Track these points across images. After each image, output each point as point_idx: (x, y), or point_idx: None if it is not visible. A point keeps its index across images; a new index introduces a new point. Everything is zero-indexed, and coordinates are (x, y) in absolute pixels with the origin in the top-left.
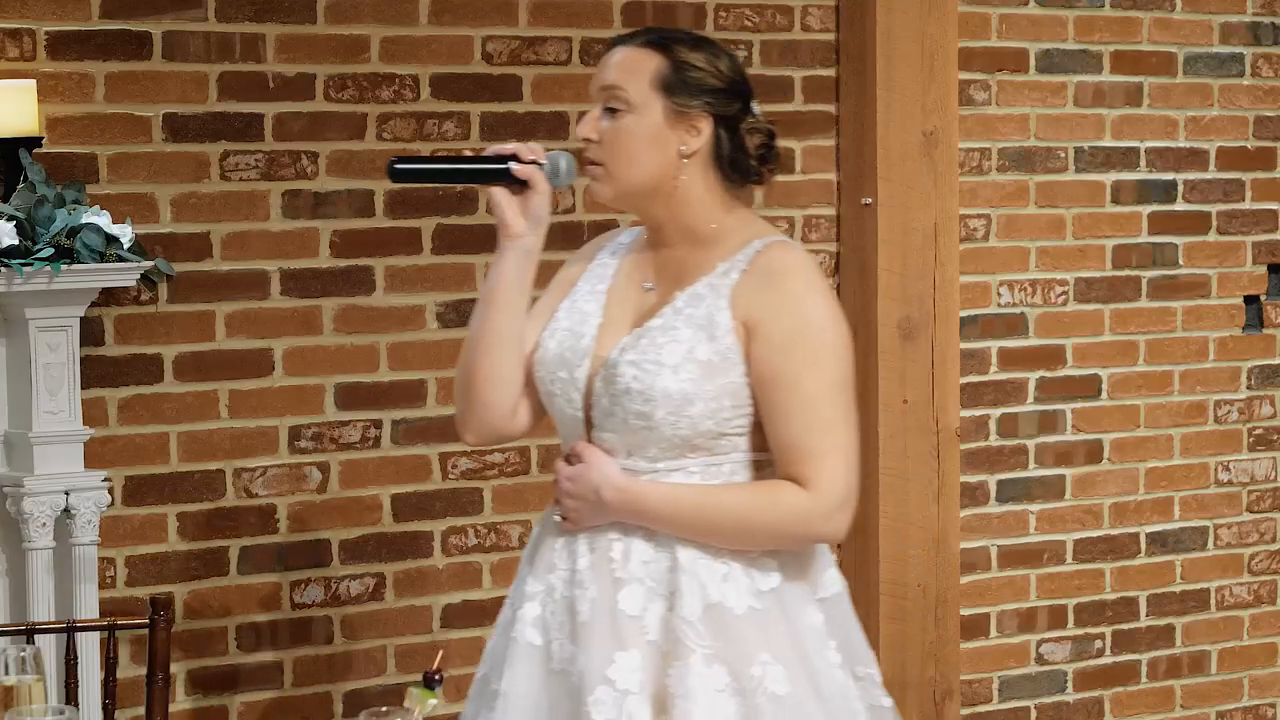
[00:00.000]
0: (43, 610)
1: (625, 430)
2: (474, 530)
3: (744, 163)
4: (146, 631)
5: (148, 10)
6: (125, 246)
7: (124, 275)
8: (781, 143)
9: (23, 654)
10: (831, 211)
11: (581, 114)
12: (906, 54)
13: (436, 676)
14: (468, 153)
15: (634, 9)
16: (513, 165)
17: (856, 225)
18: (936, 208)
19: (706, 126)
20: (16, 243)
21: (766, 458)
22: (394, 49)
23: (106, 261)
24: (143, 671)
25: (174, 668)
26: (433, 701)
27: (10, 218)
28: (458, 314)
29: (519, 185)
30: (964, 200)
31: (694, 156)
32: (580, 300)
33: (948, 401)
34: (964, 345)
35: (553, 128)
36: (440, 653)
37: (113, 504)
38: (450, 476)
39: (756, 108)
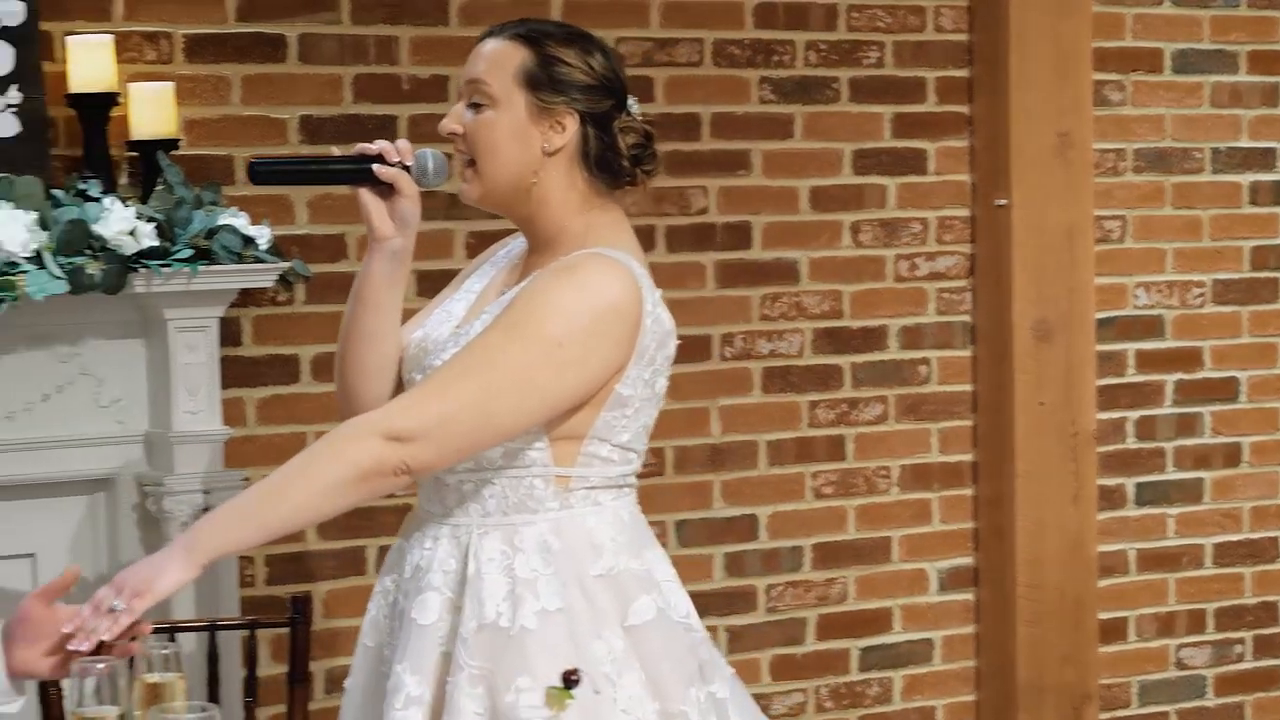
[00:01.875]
0: (185, 609)
1: None
2: None
3: (615, 162)
4: (287, 630)
5: (283, 13)
6: (262, 247)
7: (261, 276)
8: (913, 143)
9: (165, 652)
10: (965, 213)
11: (715, 115)
12: (1040, 54)
13: (574, 677)
14: (335, 151)
15: (766, 10)
16: (376, 167)
17: (991, 227)
18: (1071, 209)
19: (572, 124)
20: (155, 244)
21: (579, 473)
22: None
23: (244, 263)
24: (283, 670)
25: (313, 666)
26: (570, 701)
27: (149, 219)
28: None
29: (385, 187)
30: (1099, 201)
31: (557, 154)
32: (453, 302)
33: (1084, 404)
34: (1100, 347)
35: (685, 129)
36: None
37: None
38: None
39: (635, 107)
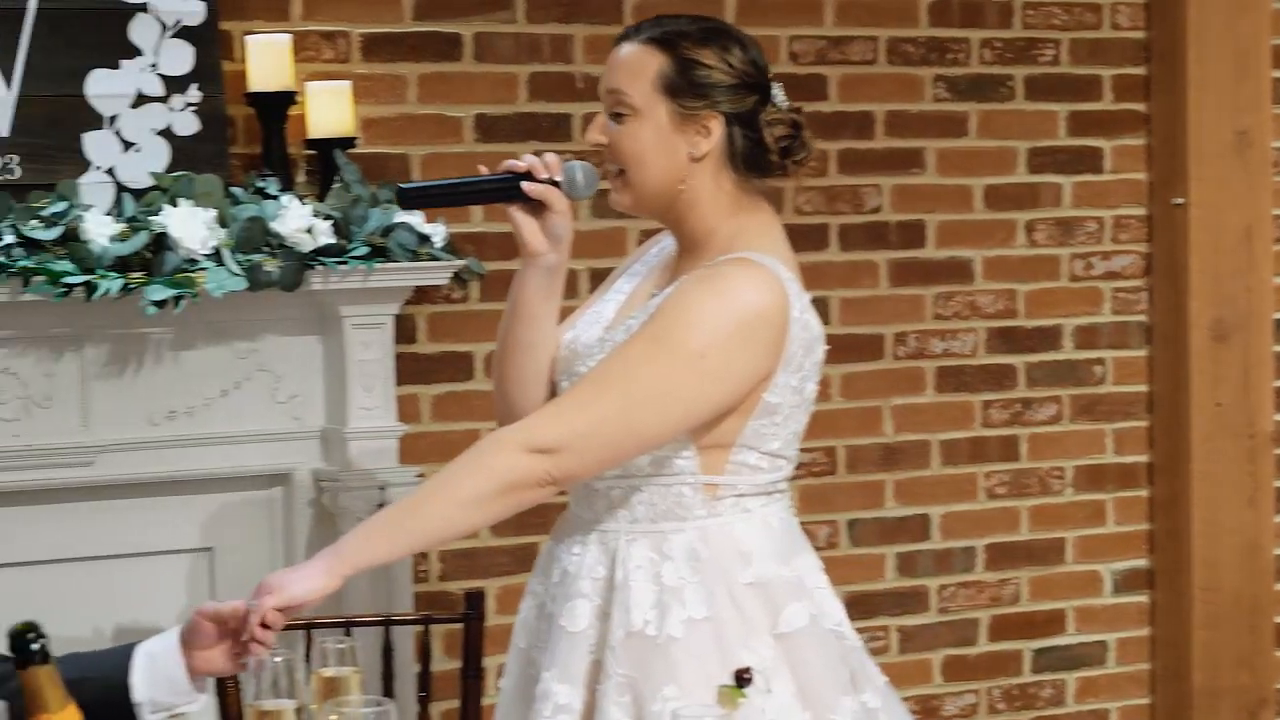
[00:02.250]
0: (360, 604)
1: None
2: None
3: (763, 159)
4: (460, 626)
5: (459, 12)
6: (437, 245)
7: (436, 274)
8: (1089, 142)
9: (341, 646)
10: (1142, 211)
11: (889, 114)
12: (1218, 52)
13: (746, 675)
14: (483, 170)
15: (941, 7)
16: (525, 185)
17: (1168, 226)
18: (1249, 208)
19: (717, 127)
20: (332, 242)
21: (728, 481)
22: None
23: (419, 260)
24: (456, 665)
25: (486, 662)
26: (743, 700)
27: (326, 217)
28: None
29: (536, 204)
30: (1278, 200)
31: (704, 159)
32: (603, 303)
33: (1261, 405)
34: (1278, 348)
35: (859, 127)
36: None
37: None
38: None
39: (779, 95)
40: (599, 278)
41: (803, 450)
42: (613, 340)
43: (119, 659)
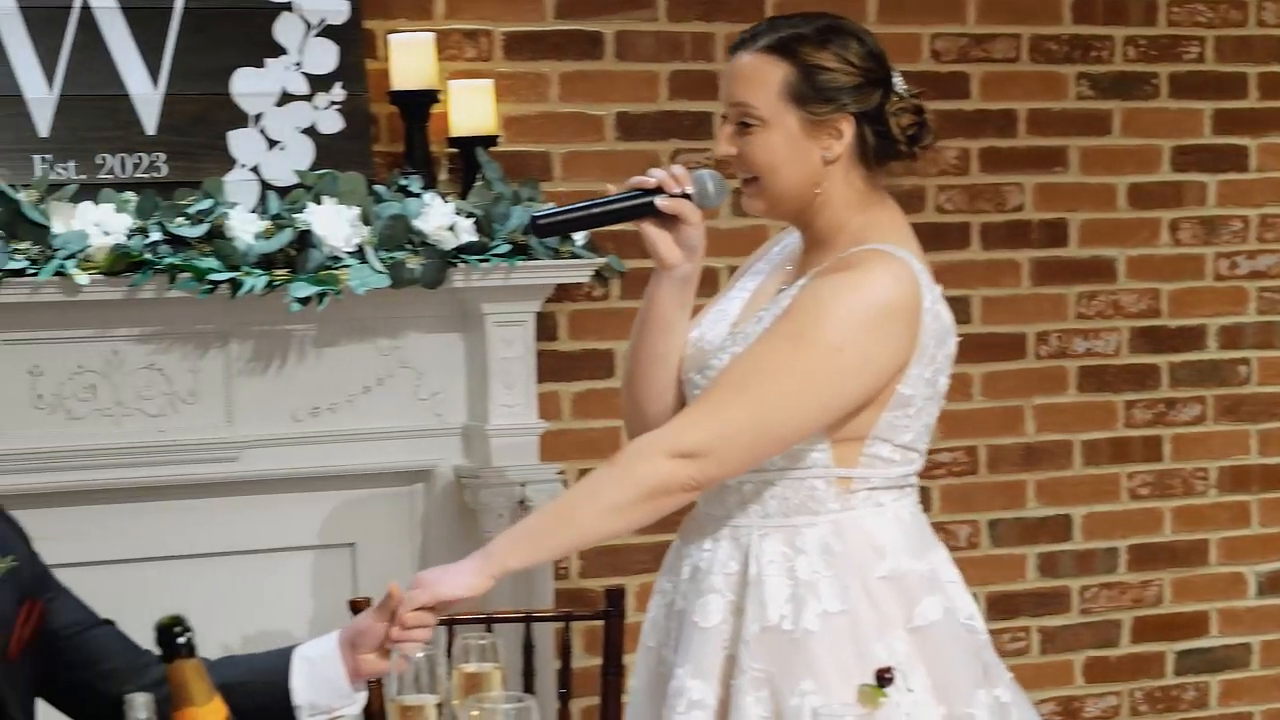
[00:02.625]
0: (501, 600)
1: None
2: None
3: (892, 149)
4: (600, 623)
5: (600, 10)
6: (579, 243)
7: (577, 271)
8: (1234, 140)
9: (482, 642)
10: None
11: (1031, 112)
12: None
13: (887, 675)
14: (611, 189)
15: (1084, 4)
16: (658, 200)
17: None
18: None
19: (848, 127)
20: (474, 239)
21: (861, 474)
22: None
23: (560, 258)
24: (596, 662)
25: (626, 659)
26: (884, 699)
27: (468, 215)
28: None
29: (668, 218)
30: None
31: (838, 160)
32: (728, 301)
33: None
34: None
35: (1001, 126)
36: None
37: None
38: None
39: (899, 83)
40: (711, 277)
41: (944, 449)
42: (743, 335)
43: (279, 662)
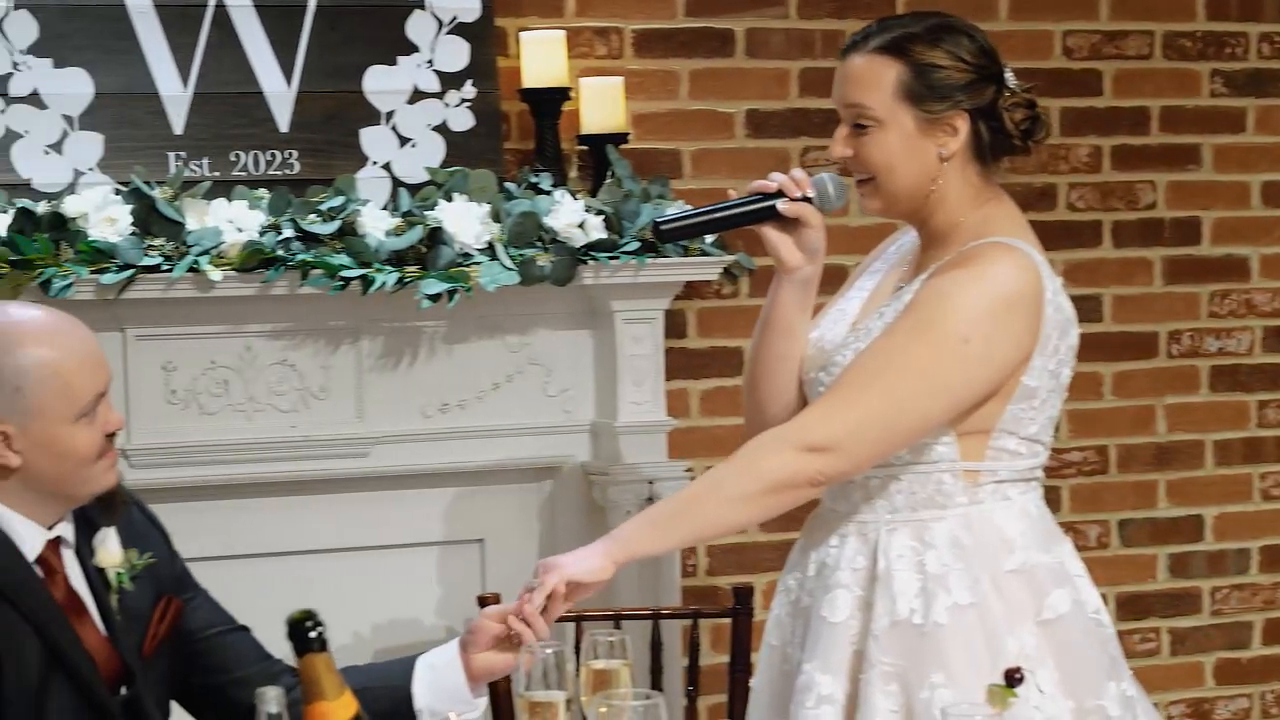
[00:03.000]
0: (629, 597)
1: None
2: None
3: (1007, 144)
4: (728, 620)
5: (731, 8)
6: (708, 241)
7: (706, 269)
8: None
9: (611, 639)
10: None
11: (1164, 109)
12: None
13: (1017, 675)
14: (732, 194)
15: (1218, 2)
16: (779, 205)
17: None
18: None
19: (963, 124)
20: (604, 237)
21: (988, 467)
22: None
23: (690, 255)
24: (723, 659)
25: (754, 657)
26: (1013, 700)
27: (598, 212)
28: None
29: (789, 221)
30: None
31: (953, 157)
32: (846, 301)
33: None
34: None
35: (1134, 124)
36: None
37: None
38: None
39: (1011, 78)
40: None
41: (1074, 449)
42: (865, 331)
43: (403, 668)
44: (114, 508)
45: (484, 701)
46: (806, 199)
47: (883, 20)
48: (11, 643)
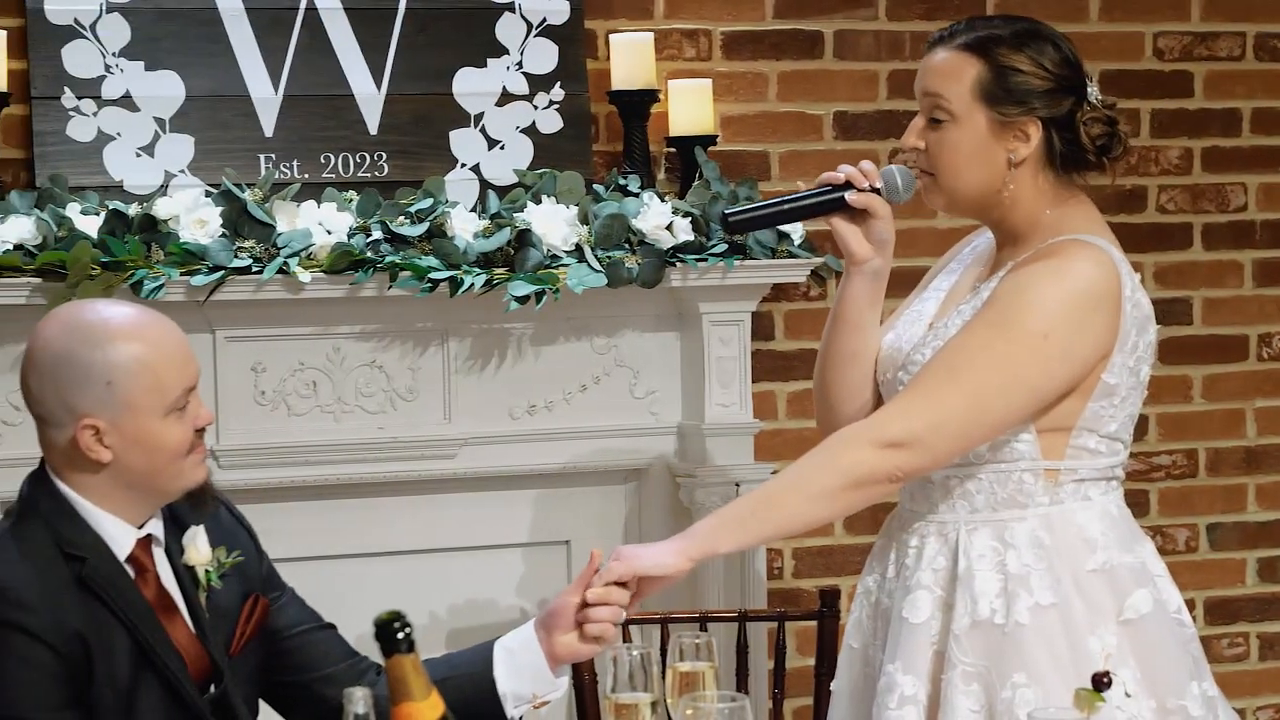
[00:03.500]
0: (714, 599)
1: None
2: None
3: (1081, 158)
4: (813, 623)
5: (820, 10)
6: (796, 243)
7: (794, 271)
8: None
9: (697, 641)
10: None
11: (1256, 111)
12: None
13: (1105, 679)
14: (801, 186)
15: None
16: (848, 195)
17: None
18: None
19: (1036, 132)
20: (692, 239)
21: (1068, 465)
22: None
23: (777, 257)
24: (808, 662)
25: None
26: (1101, 704)
27: (686, 214)
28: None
29: (858, 212)
30: None
31: (1024, 163)
32: (922, 302)
33: None
34: None
35: (1225, 125)
36: (1108, 655)
37: None
38: None
39: (1094, 93)
40: (895, 279)
41: (1163, 452)
42: (944, 330)
43: (482, 654)
44: (203, 505)
45: (565, 681)
46: (875, 190)
47: (973, 19)
48: (103, 641)
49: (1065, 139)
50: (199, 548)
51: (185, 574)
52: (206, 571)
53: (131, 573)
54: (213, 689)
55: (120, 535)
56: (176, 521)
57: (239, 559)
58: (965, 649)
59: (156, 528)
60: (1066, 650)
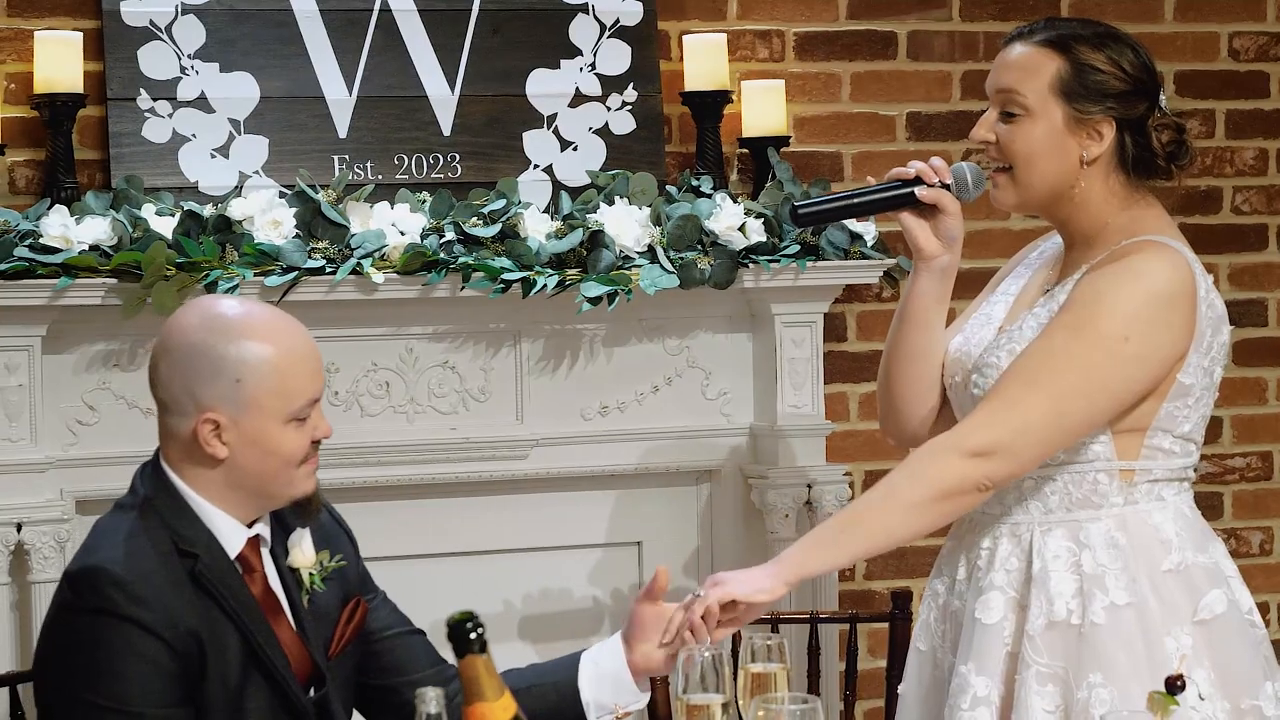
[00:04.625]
0: (786, 601)
1: None
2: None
3: (1151, 163)
4: (885, 625)
5: (894, 10)
6: (869, 244)
7: (866, 273)
8: None
9: (769, 643)
10: None
11: None
12: None
13: (1179, 683)
14: (871, 180)
15: None
16: (918, 190)
17: None
18: None
19: (1109, 131)
20: (764, 240)
21: (1143, 466)
22: None
23: (850, 259)
24: (880, 664)
25: None
26: (1175, 707)
27: (758, 215)
28: None
29: (928, 208)
30: None
31: (1095, 162)
32: (991, 305)
33: None
34: None
35: None
36: (1183, 657)
37: (852, 499)
38: None
39: (1165, 101)
40: (961, 281)
41: (1237, 455)
42: (1016, 333)
43: (568, 663)
44: (310, 511)
45: (647, 693)
46: (945, 186)
47: (1051, 18)
48: (216, 639)
49: (1137, 142)
50: (304, 550)
51: (289, 576)
52: (310, 574)
53: (240, 571)
54: (313, 691)
55: (231, 533)
56: (280, 523)
57: (341, 563)
58: (1040, 649)
59: (264, 529)
60: (1143, 650)
